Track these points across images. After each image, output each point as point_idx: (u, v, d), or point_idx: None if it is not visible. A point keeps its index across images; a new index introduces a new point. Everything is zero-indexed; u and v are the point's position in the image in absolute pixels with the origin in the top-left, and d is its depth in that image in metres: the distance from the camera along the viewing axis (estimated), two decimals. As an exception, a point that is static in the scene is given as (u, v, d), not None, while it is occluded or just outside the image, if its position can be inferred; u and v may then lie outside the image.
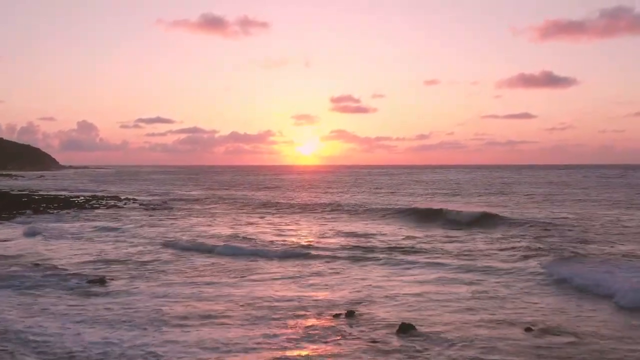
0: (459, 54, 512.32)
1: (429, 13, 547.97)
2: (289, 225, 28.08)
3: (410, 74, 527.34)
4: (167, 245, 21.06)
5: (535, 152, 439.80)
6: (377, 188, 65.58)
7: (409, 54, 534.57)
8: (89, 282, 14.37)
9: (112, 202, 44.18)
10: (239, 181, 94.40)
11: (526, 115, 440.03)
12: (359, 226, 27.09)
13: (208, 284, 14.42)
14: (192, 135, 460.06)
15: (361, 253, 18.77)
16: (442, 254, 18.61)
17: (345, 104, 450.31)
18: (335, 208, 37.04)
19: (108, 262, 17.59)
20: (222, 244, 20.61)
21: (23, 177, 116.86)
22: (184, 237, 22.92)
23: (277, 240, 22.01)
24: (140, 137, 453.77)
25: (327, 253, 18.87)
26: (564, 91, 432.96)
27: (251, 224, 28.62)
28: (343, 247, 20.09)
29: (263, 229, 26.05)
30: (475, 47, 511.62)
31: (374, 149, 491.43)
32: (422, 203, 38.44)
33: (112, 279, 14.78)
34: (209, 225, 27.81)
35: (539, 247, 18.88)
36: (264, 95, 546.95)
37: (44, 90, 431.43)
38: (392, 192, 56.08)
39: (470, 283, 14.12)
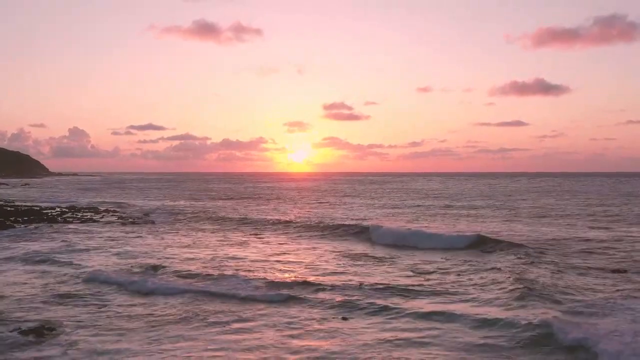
0: (453, 62, 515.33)
1: (422, 20, 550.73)
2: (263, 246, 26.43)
3: (403, 81, 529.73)
4: (89, 280, 16.80)
5: (526, 159, 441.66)
6: (345, 195, 64.57)
7: (402, 61, 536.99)
8: None
9: (88, 215, 42.28)
10: (229, 190, 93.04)
11: (519, 123, 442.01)
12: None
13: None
14: (184, 142, 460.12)
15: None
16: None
17: (338, 111, 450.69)
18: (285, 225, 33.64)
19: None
20: (157, 281, 16.26)
21: (7, 185, 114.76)
22: (138, 263, 19.59)
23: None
24: (131, 143, 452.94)
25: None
26: (557, 99, 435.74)
27: (238, 244, 25.53)
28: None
29: (247, 252, 23.16)
30: (469, 55, 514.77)
31: (366, 156, 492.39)
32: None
33: None
34: (188, 247, 24.33)
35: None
36: (257, 102, 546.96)
37: (35, 96, 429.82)
38: (367, 204, 54.63)
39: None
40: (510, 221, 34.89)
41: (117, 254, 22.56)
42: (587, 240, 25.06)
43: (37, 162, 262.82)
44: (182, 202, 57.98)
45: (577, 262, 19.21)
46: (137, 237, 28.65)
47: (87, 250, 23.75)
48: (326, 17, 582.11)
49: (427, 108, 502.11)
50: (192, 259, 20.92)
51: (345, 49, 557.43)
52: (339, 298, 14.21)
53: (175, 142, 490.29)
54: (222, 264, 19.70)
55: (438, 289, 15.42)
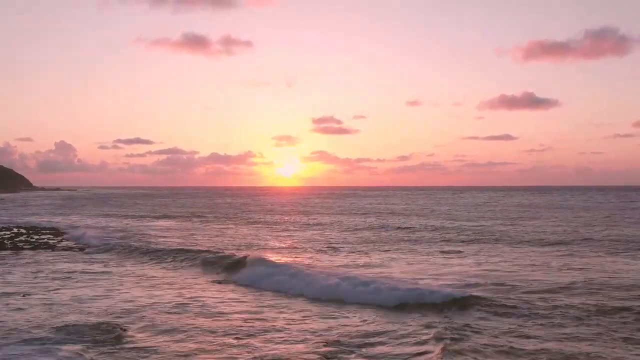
0: (442, 75, 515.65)
1: (411, 34, 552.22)
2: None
3: (393, 95, 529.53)
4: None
5: (514, 173, 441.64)
6: (300, 212, 62.86)
7: (392, 75, 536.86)
8: None
9: (45, 239, 37.44)
10: (214, 206, 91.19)
11: (507, 137, 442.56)
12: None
13: None
14: (172, 156, 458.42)
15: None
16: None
17: (327, 125, 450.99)
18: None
19: None
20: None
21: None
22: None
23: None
24: (119, 157, 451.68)
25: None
26: (545, 112, 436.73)
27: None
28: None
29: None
30: (459, 68, 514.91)
31: (354, 170, 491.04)
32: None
33: None
34: (148, 291, 18.30)
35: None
36: (246, 115, 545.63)
37: (22, 110, 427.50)
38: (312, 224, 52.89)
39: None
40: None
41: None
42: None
43: (20, 177, 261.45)
44: (126, 221, 56.70)
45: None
46: (84, 275, 21.95)
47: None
48: (316, 31, 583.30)
49: (415, 122, 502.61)
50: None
51: (335, 62, 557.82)
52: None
53: (163, 157, 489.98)
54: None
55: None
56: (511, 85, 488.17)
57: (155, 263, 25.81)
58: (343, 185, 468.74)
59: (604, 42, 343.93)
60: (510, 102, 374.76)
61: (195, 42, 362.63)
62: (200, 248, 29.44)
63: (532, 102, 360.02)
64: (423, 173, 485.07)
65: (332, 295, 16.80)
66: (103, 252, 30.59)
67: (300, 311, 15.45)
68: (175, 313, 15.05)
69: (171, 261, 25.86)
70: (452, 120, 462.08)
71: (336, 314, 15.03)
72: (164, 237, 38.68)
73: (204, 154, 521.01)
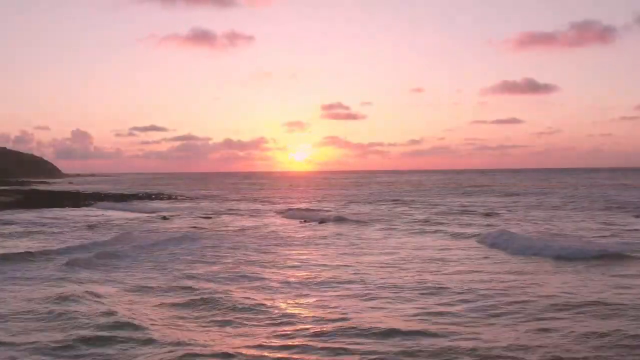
0: (441, 65, 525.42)
1: (411, 28, 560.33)
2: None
3: (396, 82, 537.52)
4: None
5: (526, 155, 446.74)
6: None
7: (394, 64, 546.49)
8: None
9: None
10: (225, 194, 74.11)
11: (514, 120, 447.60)
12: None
13: None
14: (186, 142, 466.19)
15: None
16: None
17: (336, 111, 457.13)
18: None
19: None
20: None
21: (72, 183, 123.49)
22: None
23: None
24: (134, 145, 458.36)
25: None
26: (547, 97, 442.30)
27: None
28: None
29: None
30: (456, 58, 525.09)
31: (368, 155, 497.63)
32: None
33: None
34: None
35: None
36: (254, 104, 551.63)
37: (39, 99, 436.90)
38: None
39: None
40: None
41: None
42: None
43: (51, 165, 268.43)
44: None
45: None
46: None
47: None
48: (317, 26, 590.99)
49: (421, 107, 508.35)
50: None
51: (337, 54, 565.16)
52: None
53: (178, 143, 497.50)
54: None
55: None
56: (509, 73, 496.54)
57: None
58: (360, 169, 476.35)
59: (589, 32, 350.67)
60: (511, 87, 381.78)
61: (202, 37, 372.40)
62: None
63: (533, 87, 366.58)
64: (436, 157, 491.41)
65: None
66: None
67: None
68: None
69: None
70: (456, 106, 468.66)
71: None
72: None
73: (217, 140, 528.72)
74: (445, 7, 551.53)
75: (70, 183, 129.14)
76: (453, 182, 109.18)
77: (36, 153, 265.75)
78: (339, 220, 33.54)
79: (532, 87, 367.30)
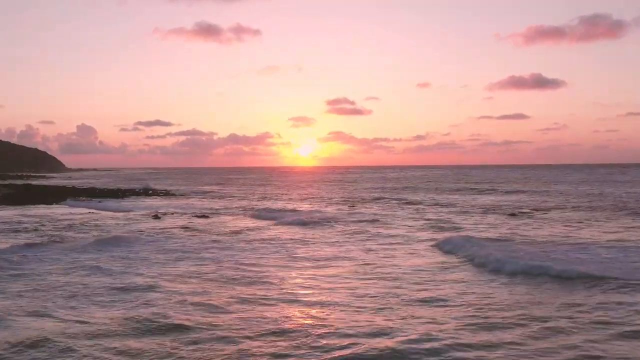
0: (448, 59, 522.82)
1: (416, 20, 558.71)
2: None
3: (402, 77, 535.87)
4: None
5: (531, 152, 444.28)
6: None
7: (399, 59, 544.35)
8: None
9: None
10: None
11: (520, 116, 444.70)
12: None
13: None
14: (192, 137, 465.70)
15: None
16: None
17: (341, 106, 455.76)
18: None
19: None
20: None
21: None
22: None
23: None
24: (139, 139, 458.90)
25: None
26: (555, 92, 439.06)
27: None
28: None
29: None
30: (463, 53, 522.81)
31: (372, 150, 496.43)
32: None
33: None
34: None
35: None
36: (259, 99, 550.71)
37: (44, 94, 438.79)
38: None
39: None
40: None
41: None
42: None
43: (55, 159, 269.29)
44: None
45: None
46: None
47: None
48: (322, 19, 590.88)
49: (426, 103, 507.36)
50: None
51: (343, 47, 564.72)
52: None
53: (183, 138, 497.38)
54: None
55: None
56: (516, 68, 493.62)
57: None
58: (365, 165, 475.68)
59: (599, 26, 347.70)
60: (518, 83, 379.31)
61: (208, 31, 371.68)
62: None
63: (540, 82, 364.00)
64: (441, 152, 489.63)
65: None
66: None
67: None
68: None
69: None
70: (462, 101, 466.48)
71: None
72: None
73: (222, 135, 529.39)
74: (452, 1, 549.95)
75: (70, 178, 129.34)
76: (469, 179, 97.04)
77: (41, 148, 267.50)
78: (301, 222, 30.45)
79: (539, 82, 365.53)
